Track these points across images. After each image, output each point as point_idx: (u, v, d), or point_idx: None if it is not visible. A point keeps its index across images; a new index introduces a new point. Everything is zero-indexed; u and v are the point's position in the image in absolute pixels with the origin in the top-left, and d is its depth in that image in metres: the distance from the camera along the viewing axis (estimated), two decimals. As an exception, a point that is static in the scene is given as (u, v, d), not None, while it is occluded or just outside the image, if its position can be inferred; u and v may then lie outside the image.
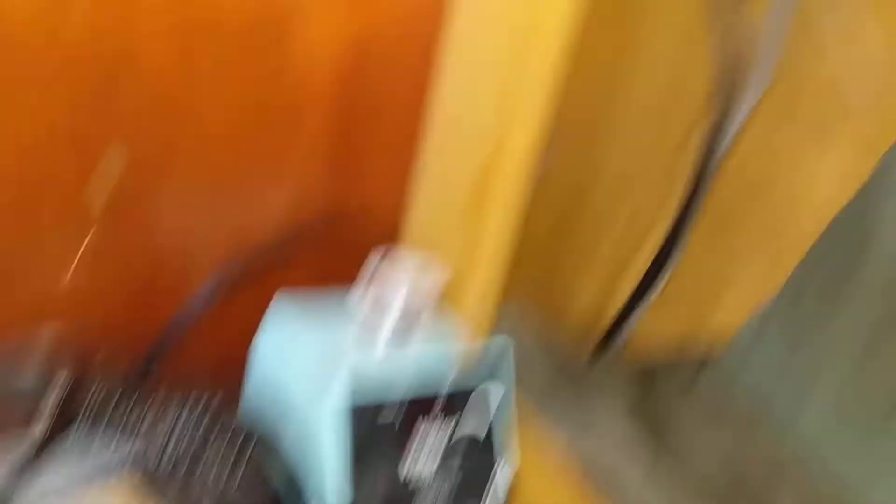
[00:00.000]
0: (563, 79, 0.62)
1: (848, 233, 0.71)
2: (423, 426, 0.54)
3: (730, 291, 0.87)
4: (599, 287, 0.92)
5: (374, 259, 0.60)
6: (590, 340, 0.92)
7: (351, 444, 0.50)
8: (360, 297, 0.60)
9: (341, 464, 0.51)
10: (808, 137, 0.81)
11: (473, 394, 0.56)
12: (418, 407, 0.54)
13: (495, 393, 0.56)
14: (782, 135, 0.82)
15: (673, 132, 0.87)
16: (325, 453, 0.51)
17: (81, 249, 0.62)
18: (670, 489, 0.64)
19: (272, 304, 0.61)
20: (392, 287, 0.59)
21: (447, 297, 0.65)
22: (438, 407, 0.55)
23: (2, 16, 0.53)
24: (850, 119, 0.76)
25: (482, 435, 0.56)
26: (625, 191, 0.89)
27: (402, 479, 0.52)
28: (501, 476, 0.56)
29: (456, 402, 0.56)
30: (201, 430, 0.54)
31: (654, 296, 0.91)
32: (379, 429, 0.52)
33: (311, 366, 0.55)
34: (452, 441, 0.55)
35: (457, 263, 0.65)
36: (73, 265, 0.62)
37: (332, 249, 0.71)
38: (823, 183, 0.80)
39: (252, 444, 0.55)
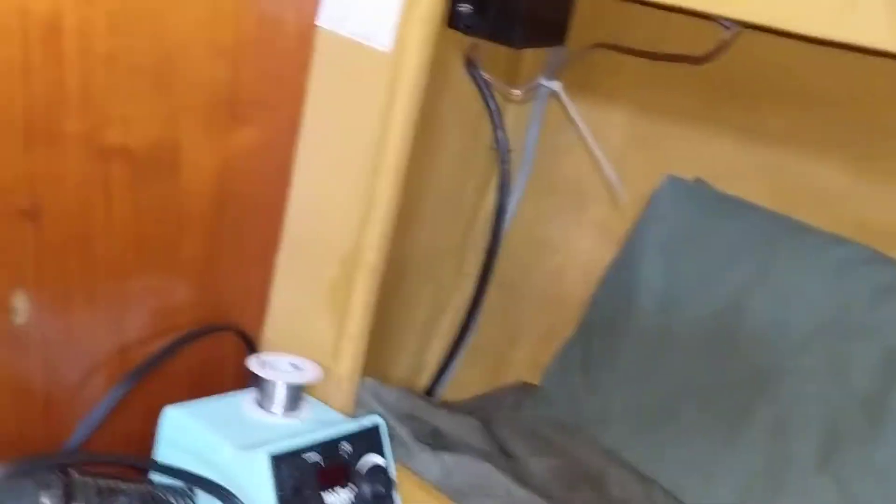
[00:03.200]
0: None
1: (617, 285, 0.93)
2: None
3: (521, 341, 1.06)
4: (415, 351, 1.07)
5: (252, 362, 0.72)
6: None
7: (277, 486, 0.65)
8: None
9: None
10: (567, 213, 1.03)
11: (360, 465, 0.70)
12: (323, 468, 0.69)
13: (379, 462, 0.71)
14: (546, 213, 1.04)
15: (463, 214, 1.05)
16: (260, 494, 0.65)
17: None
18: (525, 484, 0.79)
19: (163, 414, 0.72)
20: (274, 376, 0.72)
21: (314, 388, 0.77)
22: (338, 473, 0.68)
23: None
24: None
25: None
26: (430, 266, 1.05)
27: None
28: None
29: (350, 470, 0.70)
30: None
31: (464, 350, 1.08)
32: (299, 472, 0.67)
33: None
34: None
35: (321, 357, 0.77)
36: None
37: (203, 360, 0.81)
38: (584, 244, 1.02)
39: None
